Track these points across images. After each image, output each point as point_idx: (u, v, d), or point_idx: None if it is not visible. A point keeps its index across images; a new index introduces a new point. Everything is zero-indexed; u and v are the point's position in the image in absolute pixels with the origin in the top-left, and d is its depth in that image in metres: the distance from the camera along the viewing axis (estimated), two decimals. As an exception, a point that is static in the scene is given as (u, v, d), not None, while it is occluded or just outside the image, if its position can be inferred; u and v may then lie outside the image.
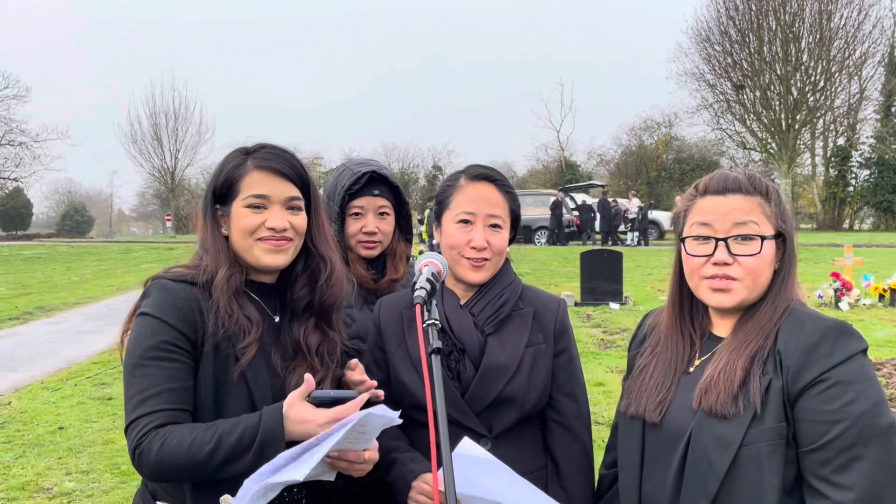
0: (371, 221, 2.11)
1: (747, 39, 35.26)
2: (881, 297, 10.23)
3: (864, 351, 1.31)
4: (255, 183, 1.55)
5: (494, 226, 1.76)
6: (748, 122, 36.61)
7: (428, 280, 1.46)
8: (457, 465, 1.28)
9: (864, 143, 35.08)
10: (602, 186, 30.74)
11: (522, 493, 1.44)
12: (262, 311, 1.60)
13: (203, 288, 1.53)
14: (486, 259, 1.72)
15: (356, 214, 2.11)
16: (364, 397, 1.47)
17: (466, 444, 1.48)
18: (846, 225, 35.12)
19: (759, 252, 1.36)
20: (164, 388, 1.44)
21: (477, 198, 1.76)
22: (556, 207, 23.38)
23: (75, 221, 63.49)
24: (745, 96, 36.13)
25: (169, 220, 47.81)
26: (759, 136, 36.31)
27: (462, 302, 1.78)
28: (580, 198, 26.49)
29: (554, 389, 1.79)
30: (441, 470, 1.23)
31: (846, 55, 34.26)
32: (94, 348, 8.78)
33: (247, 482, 1.32)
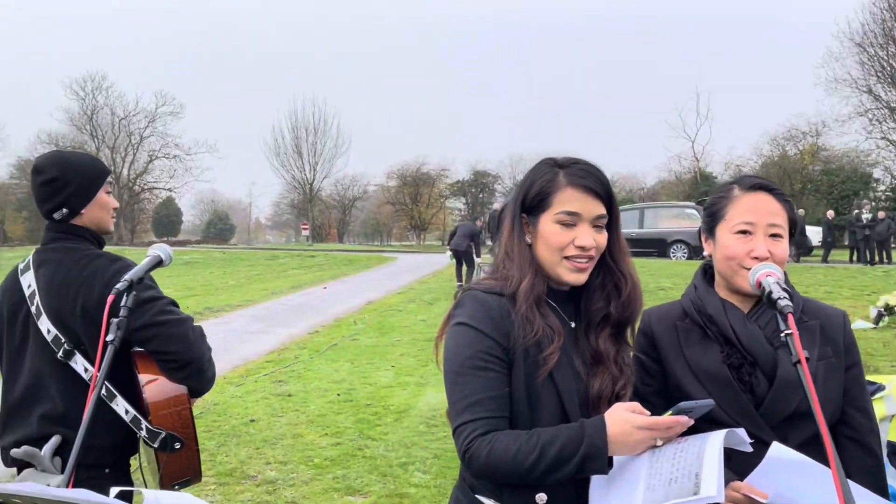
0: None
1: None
2: None
3: None
4: (569, 200, 1.55)
5: (775, 235, 1.71)
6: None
7: (783, 289, 1.43)
8: (775, 468, 1.24)
9: None
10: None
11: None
12: (561, 318, 1.62)
13: (511, 298, 1.56)
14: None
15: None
16: (708, 404, 1.45)
17: (777, 448, 1.43)
18: None
19: None
20: (485, 396, 1.49)
21: (756, 207, 1.71)
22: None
23: (218, 229, 68.03)
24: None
25: (306, 228, 50.23)
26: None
27: (745, 312, 1.74)
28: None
29: (846, 404, 1.73)
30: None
31: None
32: (264, 348, 9.33)
33: None
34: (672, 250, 23.75)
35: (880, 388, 2.91)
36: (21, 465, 2.07)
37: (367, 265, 22.64)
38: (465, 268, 16.30)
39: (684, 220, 23.50)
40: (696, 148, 40.09)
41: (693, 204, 25.46)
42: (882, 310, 9.19)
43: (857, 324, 9.13)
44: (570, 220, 1.55)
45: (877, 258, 21.55)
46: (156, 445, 1.95)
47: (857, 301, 11.25)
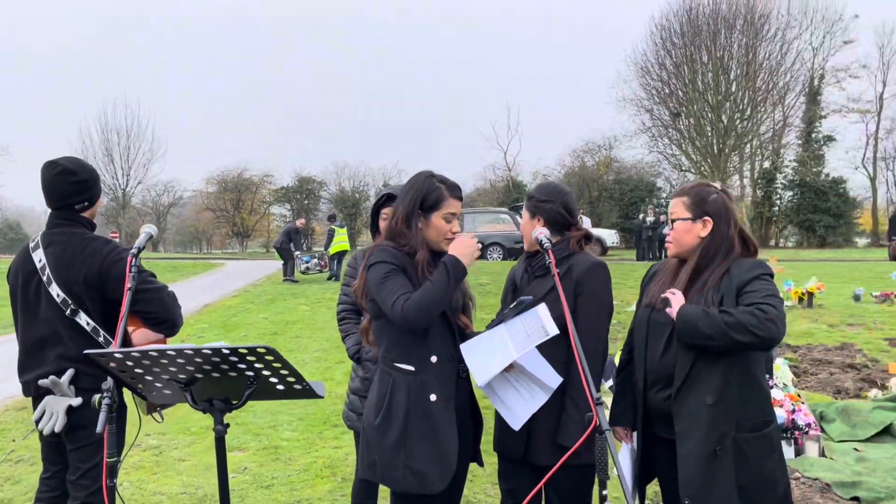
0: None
1: (682, 71, 37.81)
2: (800, 300, 11.85)
3: None
4: (451, 206, 2.61)
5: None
6: (684, 146, 39.08)
7: (548, 239, 2.65)
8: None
9: (787, 167, 37.82)
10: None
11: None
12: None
13: (406, 254, 2.62)
14: None
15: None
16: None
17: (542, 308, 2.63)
18: (772, 243, 37.69)
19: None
20: (403, 283, 2.45)
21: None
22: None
23: (9, 239, 61.79)
24: (680, 123, 38.60)
25: (115, 236, 47.37)
26: (694, 158, 38.75)
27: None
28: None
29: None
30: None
31: (770, 86, 37.05)
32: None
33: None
34: (489, 252, 25.87)
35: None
36: (37, 395, 2.83)
37: (195, 271, 22.42)
38: (288, 264, 18.86)
39: (499, 224, 25.69)
40: (508, 159, 43.27)
41: (506, 210, 27.84)
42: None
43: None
44: (451, 218, 2.64)
45: (658, 255, 25.04)
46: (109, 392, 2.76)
47: (635, 288, 13.55)
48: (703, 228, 2.61)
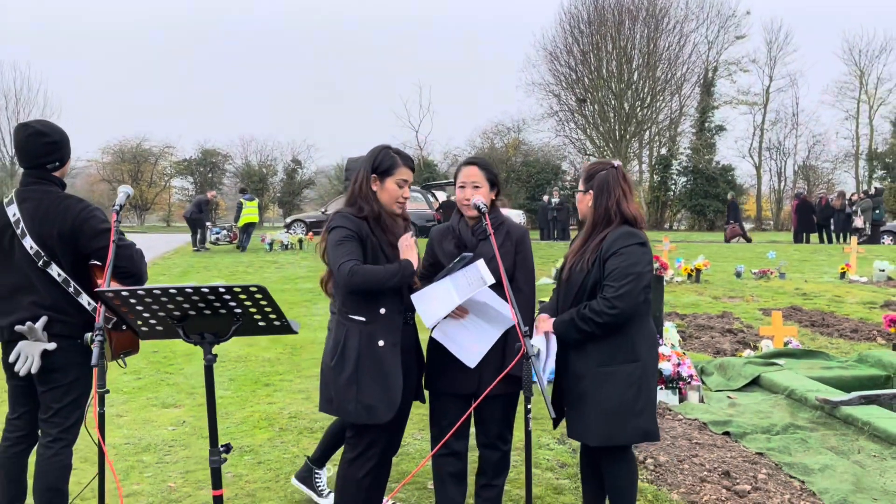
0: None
1: (588, 58, 39.32)
2: (689, 275, 12.97)
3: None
4: (403, 173, 3.03)
5: (476, 186, 3.37)
6: (588, 131, 40.71)
7: (483, 203, 3.11)
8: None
9: (682, 154, 40.13)
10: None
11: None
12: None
13: (363, 218, 3.01)
14: None
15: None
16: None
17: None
18: (667, 225, 39.98)
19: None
20: (353, 250, 2.84)
21: (468, 173, 3.38)
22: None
23: None
24: (585, 108, 40.17)
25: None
26: (598, 143, 40.45)
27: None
28: (441, 195, 28.39)
29: (515, 269, 3.43)
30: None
31: (669, 76, 39.16)
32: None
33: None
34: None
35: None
36: (11, 339, 3.05)
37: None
38: (198, 234, 19.67)
39: (411, 202, 26.10)
40: (420, 137, 43.69)
41: (418, 188, 28.29)
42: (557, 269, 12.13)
43: (542, 280, 11.93)
44: (402, 184, 3.05)
45: (561, 236, 26.19)
46: (109, 326, 3.06)
47: (543, 266, 14.32)
48: (591, 199, 3.13)
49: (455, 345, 3.09)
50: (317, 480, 3.80)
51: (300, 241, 20.75)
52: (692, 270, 12.97)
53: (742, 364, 6.16)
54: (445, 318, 2.99)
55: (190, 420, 5.16)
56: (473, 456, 3.38)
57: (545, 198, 28.93)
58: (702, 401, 5.48)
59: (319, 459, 3.81)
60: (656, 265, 12.60)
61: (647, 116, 39.85)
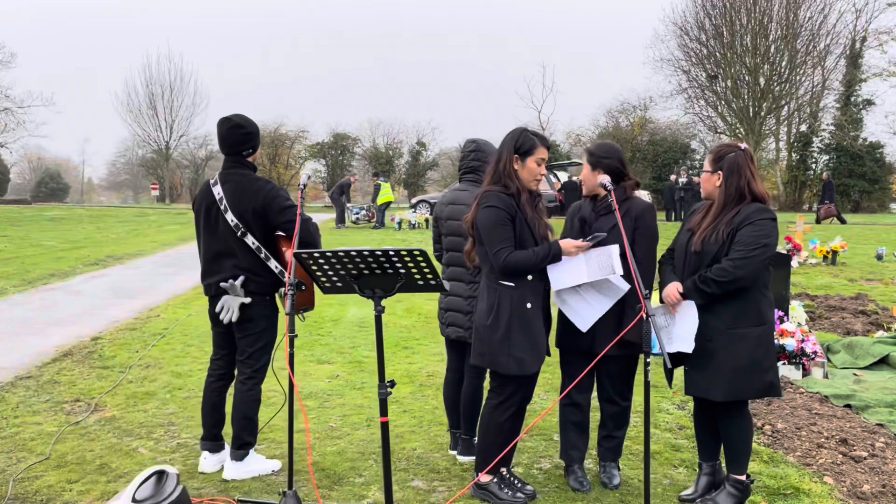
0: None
1: (721, 33, 37.63)
2: (824, 257, 12.53)
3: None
4: (541, 152, 3.44)
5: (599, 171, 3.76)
6: (719, 108, 39.07)
7: (610, 182, 3.49)
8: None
9: (824, 130, 37.70)
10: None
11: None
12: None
13: (510, 195, 3.44)
14: None
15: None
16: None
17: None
18: (805, 207, 37.81)
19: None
20: (508, 237, 3.29)
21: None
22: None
23: (50, 188, 63.61)
24: (717, 85, 38.55)
25: (155, 188, 48.81)
26: (729, 121, 38.77)
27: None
28: (563, 176, 28.39)
29: (634, 243, 3.80)
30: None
31: (810, 48, 36.78)
32: (186, 285, 10.62)
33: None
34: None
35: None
36: (215, 294, 3.77)
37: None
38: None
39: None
40: (542, 118, 43.56)
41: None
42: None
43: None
44: (540, 162, 3.47)
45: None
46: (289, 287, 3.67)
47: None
48: (719, 179, 3.40)
49: (571, 310, 3.53)
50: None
51: (426, 220, 21.66)
52: (828, 252, 12.53)
53: (871, 343, 6.13)
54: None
55: (342, 374, 5.86)
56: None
57: (672, 177, 28.26)
58: (826, 377, 5.56)
59: (471, 428, 4.08)
60: (788, 245, 12.33)
61: (785, 91, 37.68)
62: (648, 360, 2.97)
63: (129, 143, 55.68)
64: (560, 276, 3.41)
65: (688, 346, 3.29)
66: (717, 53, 38.14)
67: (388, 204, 22.60)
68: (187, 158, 54.10)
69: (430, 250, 3.25)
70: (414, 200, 29.73)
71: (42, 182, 64.64)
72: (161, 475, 2.95)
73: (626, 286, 3.43)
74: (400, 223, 21.30)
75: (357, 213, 23.25)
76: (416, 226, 21.39)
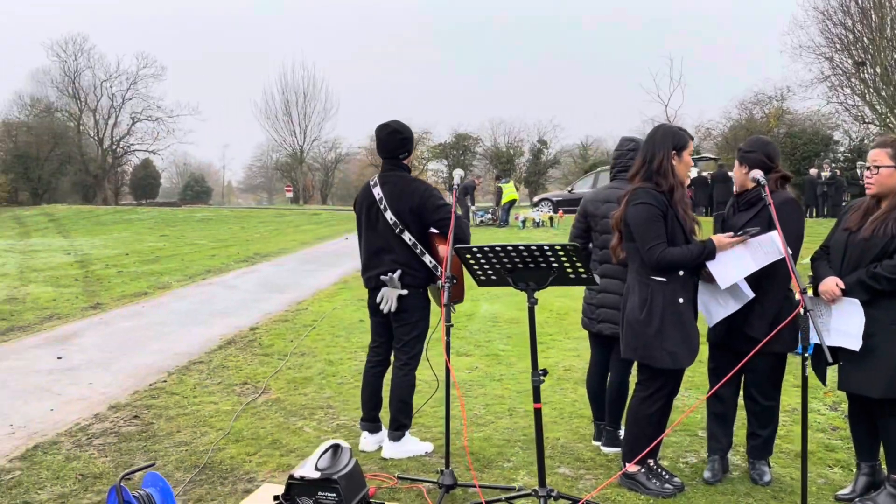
0: None
1: (869, 16, 34.95)
2: None
3: None
4: (691, 146, 3.52)
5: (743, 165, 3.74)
6: (867, 96, 36.30)
7: (762, 176, 3.48)
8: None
9: None
10: (715, 159, 31.52)
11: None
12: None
13: (662, 193, 3.48)
14: None
15: None
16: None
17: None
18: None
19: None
20: (661, 233, 3.36)
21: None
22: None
23: (195, 191, 68.54)
24: (864, 72, 35.83)
25: (289, 190, 51.53)
26: (879, 110, 35.94)
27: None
28: (693, 171, 27.43)
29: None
30: None
31: (976, 27, 33.45)
32: (328, 280, 11.27)
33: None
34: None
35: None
36: (375, 286, 4.08)
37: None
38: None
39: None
40: (670, 112, 42.24)
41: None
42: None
43: (805, 260, 11.39)
44: (690, 156, 3.55)
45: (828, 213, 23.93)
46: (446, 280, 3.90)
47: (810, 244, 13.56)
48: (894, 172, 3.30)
49: (702, 306, 3.61)
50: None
51: (550, 218, 21.66)
52: None
53: None
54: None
55: (481, 366, 6.09)
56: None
57: (813, 171, 26.59)
58: None
59: (616, 420, 4.17)
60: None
61: (944, 76, 34.50)
62: (806, 355, 2.96)
63: (264, 147, 59.06)
64: (725, 271, 3.44)
65: (855, 343, 3.23)
66: (865, 38, 35.40)
67: (512, 202, 22.85)
68: (318, 161, 56.74)
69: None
70: (536, 199, 29.74)
71: (188, 186, 69.95)
72: (337, 448, 3.27)
73: (751, 294, 3.46)
74: (524, 222, 21.41)
75: (482, 216, 23.53)
76: (540, 224, 21.42)
